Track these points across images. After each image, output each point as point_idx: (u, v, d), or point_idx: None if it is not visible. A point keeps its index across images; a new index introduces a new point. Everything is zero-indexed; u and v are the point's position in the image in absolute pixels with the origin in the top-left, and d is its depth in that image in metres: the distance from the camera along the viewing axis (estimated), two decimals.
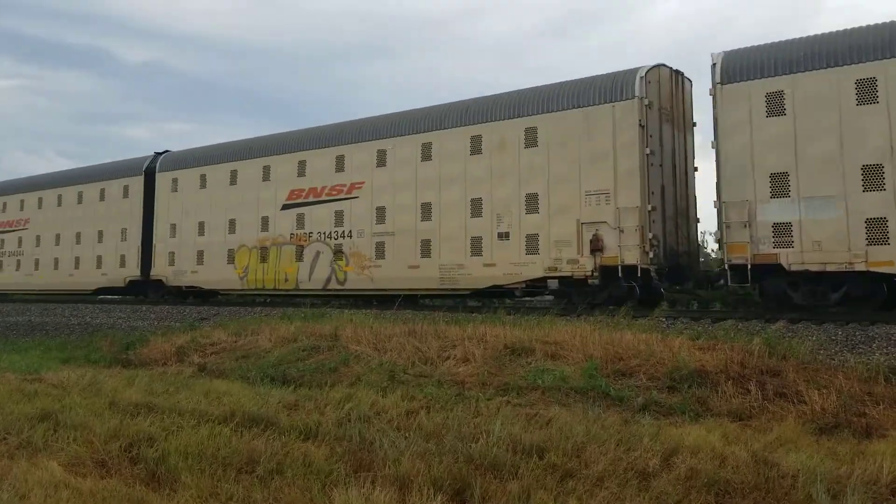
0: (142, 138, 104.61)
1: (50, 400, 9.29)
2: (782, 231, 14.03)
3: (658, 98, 16.55)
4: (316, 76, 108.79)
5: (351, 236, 20.55)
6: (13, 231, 31.60)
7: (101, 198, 27.97)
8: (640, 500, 5.44)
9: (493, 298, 19.70)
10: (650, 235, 15.63)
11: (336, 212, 20.90)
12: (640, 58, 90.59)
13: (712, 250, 21.60)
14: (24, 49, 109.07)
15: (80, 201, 28.85)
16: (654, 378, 9.37)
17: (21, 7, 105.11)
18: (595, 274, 16.00)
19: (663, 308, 14.23)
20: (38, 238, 30.26)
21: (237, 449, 6.73)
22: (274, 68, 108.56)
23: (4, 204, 32.24)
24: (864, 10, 71.06)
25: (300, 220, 21.85)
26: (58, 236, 29.38)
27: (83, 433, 7.43)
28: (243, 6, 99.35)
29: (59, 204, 29.67)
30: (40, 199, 30.62)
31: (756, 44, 15.14)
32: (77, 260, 28.51)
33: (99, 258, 27.61)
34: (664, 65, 17.02)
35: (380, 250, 19.85)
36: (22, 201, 31.24)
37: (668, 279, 16.91)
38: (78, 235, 28.66)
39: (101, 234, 27.72)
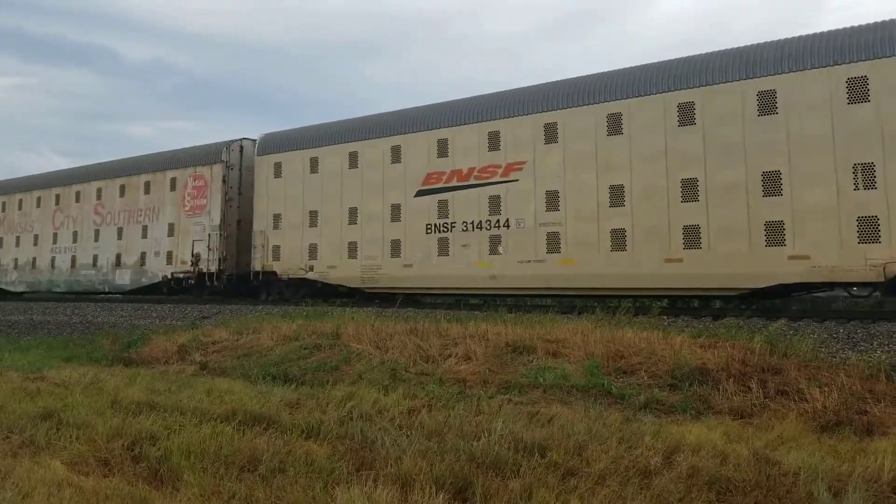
0: (144, 136, 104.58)
1: (52, 399, 9.31)
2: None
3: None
4: (318, 75, 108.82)
5: None
6: (477, 186, 17.96)
7: (767, 108, 14.43)
8: (642, 498, 5.45)
9: None
10: None
11: None
12: (640, 56, 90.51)
13: None
14: (27, 47, 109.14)
15: (686, 121, 15.35)
16: (655, 376, 9.39)
17: (24, 5, 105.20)
18: None
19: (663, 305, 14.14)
20: (555, 197, 16.74)
21: (239, 447, 6.75)
22: (275, 67, 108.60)
23: (443, 141, 18.73)
24: (865, 9, 70.91)
25: None
26: (621, 190, 15.95)
27: (86, 432, 7.45)
28: (245, 5, 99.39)
29: (616, 130, 16.18)
30: (552, 128, 16.98)
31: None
32: (703, 233, 14.89)
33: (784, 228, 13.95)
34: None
35: None
36: (493, 134, 17.79)
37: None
38: (691, 186, 15.10)
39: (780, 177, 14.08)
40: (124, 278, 26.31)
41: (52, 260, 29.23)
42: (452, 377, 10.18)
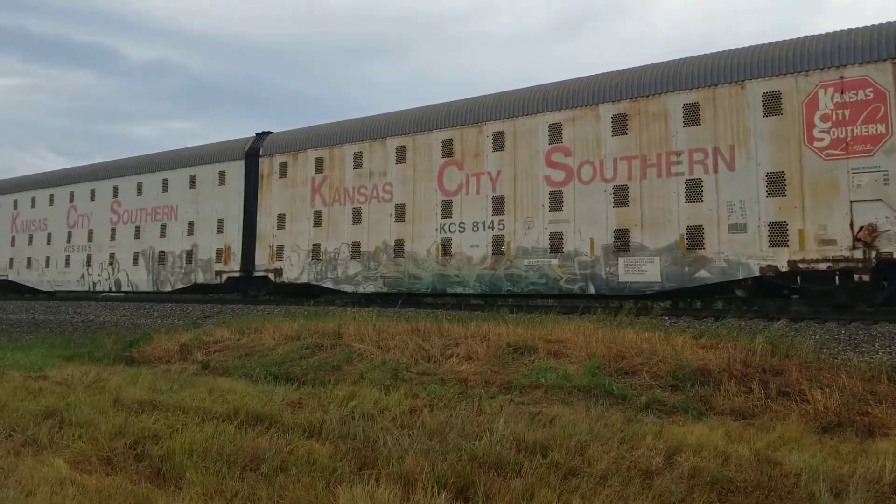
0: (146, 136, 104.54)
1: (55, 397, 9.32)
2: None
3: None
4: (323, 75, 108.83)
5: None
6: None
7: None
8: (644, 498, 5.46)
9: None
10: None
11: None
12: (647, 55, 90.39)
13: None
14: (30, 47, 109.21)
15: None
16: (656, 376, 9.39)
17: (27, 5, 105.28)
18: None
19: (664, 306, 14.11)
20: None
21: (241, 447, 6.76)
22: (280, 67, 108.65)
23: None
24: (866, 9, 70.90)
25: None
26: None
27: (88, 430, 7.47)
28: (247, 6, 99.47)
29: None
30: None
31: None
32: None
33: None
34: None
35: None
36: None
37: None
38: None
39: None
40: (645, 271, 15.45)
41: (445, 243, 18.21)
42: (454, 377, 10.19)
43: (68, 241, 28.09)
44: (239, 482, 5.92)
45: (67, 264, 27.96)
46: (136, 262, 25.44)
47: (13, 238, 30.65)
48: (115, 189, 26.82)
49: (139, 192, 25.92)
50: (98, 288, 26.83)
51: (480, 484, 5.66)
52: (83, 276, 27.23)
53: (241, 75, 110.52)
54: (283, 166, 22.05)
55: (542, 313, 14.01)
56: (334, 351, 12.25)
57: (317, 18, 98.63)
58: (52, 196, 29.33)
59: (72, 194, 28.45)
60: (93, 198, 27.65)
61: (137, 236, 25.59)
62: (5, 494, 5.67)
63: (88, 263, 27.19)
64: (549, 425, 7.46)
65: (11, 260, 30.44)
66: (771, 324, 12.01)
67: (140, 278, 25.17)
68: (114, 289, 26.19)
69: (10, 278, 30.29)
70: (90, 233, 27.37)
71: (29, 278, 29.58)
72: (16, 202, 30.90)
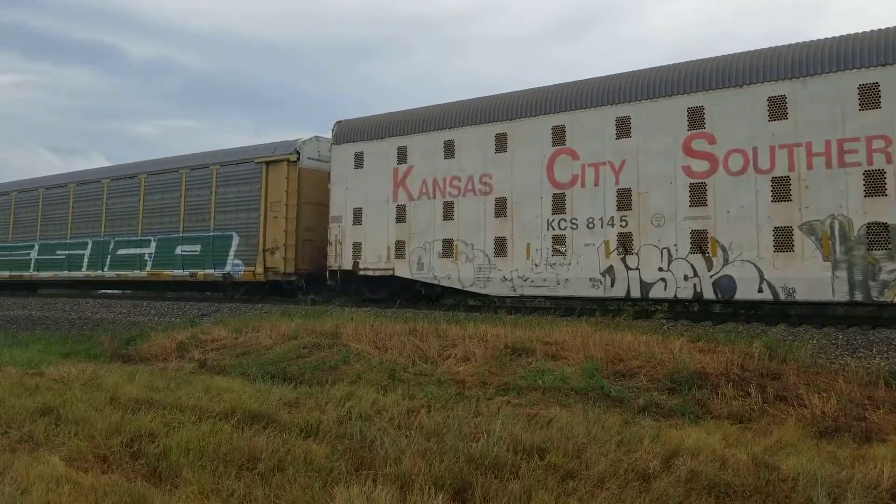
0: (147, 135, 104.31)
1: (51, 394, 9.31)
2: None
3: None
4: (325, 75, 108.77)
5: None
6: None
7: None
8: (641, 501, 5.45)
9: None
10: None
11: None
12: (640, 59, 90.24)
13: None
14: (30, 44, 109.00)
15: None
16: (654, 379, 9.39)
17: (28, 2, 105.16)
18: None
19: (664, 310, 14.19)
20: None
21: (238, 446, 6.75)
22: (280, 67, 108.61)
23: None
24: (869, 14, 71.04)
25: None
26: None
27: (84, 428, 7.46)
28: (250, 5, 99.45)
29: None
30: None
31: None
32: None
33: None
34: None
35: None
36: None
37: None
38: None
39: None
40: None
41: None
42: (451, 378, 10.18)
43: (555, 210, 16.02)
44: (235, 481, 5.90)
45: (562, 250, 15.81)
46: (788, 245, 13.07)
47: (401, 208, 18.61)
48: (696, 113, 14.28)
49: (785, 113, 13.25)
50: (659, 294, 14.44)
51: (478, 485, 5.64)
52: (605, 274, 15.17)
53: (241, 74, 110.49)
54: None
55: (540, 315, 14.00)
56: (331, 351, 12.23)
57: (317, 18, 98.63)
58: (500, 137, 17.07)
59: (558, 130, 16.21)
60: (623, 133, 15.22)
61: (807, 200, 12.89)
62: (1, 491, 5.66)
63: (624, 248, 14.97)
64: (547, 427, 7.45)
65: (401, 244, 18.52)
66: (769, 328, 12.01)
67: (847, 278, 12.48)
68: (723, 295, 13.65)
69: (396, 273, 18.51)
70: (623, 195, 15.11)
71: (448, 273, 17.52)
72: (403, 151, 18.77)
